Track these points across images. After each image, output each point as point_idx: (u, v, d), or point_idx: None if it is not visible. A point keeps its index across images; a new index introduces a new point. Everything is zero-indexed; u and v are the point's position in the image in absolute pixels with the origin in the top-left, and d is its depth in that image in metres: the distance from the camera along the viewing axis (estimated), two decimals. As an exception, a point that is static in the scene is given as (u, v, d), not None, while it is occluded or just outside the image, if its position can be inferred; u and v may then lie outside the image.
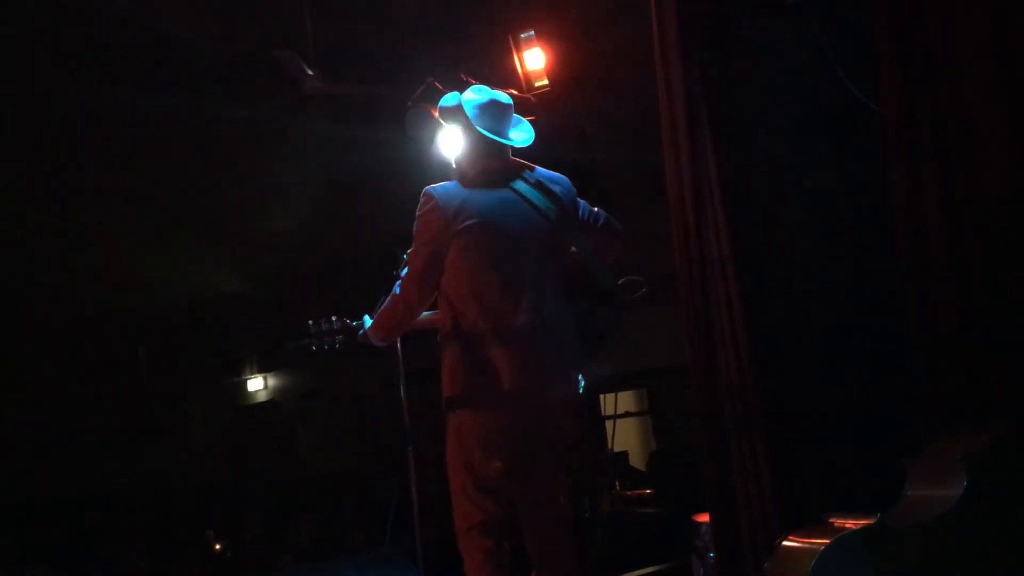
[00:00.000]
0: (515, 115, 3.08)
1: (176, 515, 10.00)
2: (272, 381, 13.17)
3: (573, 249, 3.01)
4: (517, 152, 3.08)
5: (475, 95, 3.01)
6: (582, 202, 3.12)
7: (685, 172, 3.55)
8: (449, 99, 3.05)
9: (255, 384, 13.29)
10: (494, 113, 2.99)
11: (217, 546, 8.50)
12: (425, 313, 3.07)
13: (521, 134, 3.07)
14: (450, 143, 3.10)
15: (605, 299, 3.02)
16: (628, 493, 7.14)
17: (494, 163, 2.99)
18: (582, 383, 2.91)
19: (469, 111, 2.96)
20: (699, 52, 3.56)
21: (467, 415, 2.84)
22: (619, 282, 3.01)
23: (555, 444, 2.92)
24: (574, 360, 2.91)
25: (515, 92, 3.39)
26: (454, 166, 3.09)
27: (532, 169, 3.05)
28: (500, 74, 4.74)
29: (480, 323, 2.82)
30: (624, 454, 8.19)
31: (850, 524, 2.45)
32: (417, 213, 2.92)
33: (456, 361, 2.86)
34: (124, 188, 7.41)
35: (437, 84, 3.38)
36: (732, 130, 3.55)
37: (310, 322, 3.36)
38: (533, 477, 2.89)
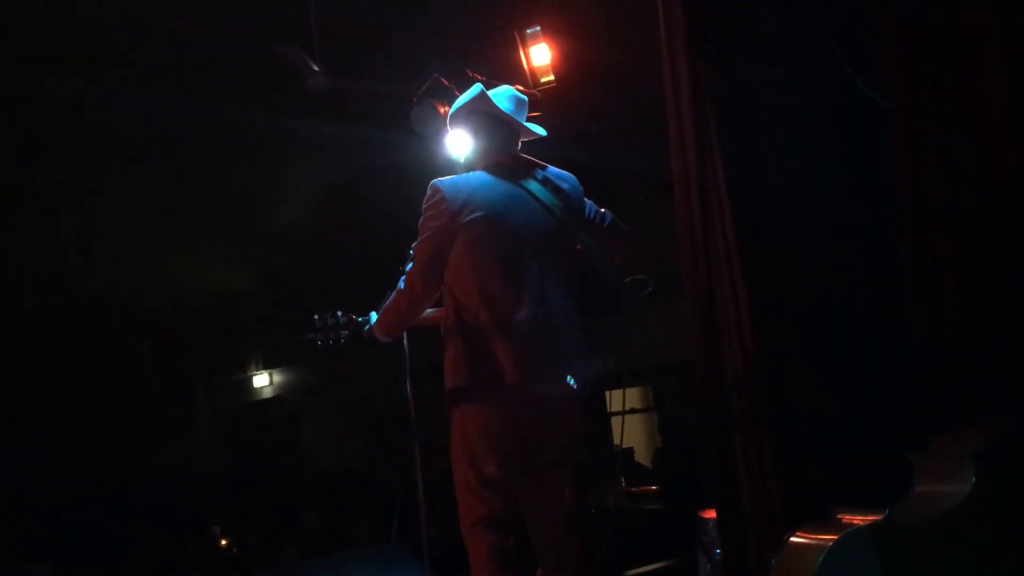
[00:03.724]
0: None
1: (181, 511, 10.01)
2: (277, 377, 13.18)
3: (578, 247, 3.01)
4: (526, 150, 3.08)
5: (498, 89, 3.05)
6: (588, 201, 3.12)
7: (692, 169, 3.54)
8: (470, 92, 3.06)
9: (260, 380, 13.29)
10: (518, 104, 3.04)
11: (222, 542, 8.49)
12: (430, 310, 3.06)
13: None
14: (458, 139, 3.09)
15: (611, 296, 3.01)
16: (634, 489, 7.12)
17: (505, 158, 2.99)
18: (573, 384, 2.88)
19: (498, 100, 3.00)
20: (706, 48, 3.56)
21: (470, 409, 2.84)
22: (625, 280, 3.01)
23: (558, 439, 2.91)
24: (577, 356, 2.90)
25: (522, 88, 3.39)
26: (463, 162, 3.09)
27: (542, 167, 3.05)
28: (506, 70, 4.73)
29: (483, 317, 2.82)
30: (630, 450, 8.18)
31: (857, 520, 2.44)
32: (423, 206, 2.92)
33: (459, 354, 2.86)
34: (129, 185, 7.42)
35: (443, 80, 3.38)
36: (739, 126, 3.54)
37: (316, 317, 3.35)
38: (536, 471, 2.89)
